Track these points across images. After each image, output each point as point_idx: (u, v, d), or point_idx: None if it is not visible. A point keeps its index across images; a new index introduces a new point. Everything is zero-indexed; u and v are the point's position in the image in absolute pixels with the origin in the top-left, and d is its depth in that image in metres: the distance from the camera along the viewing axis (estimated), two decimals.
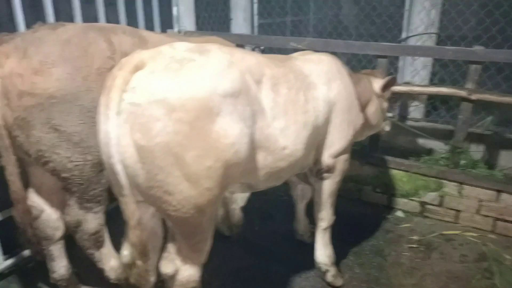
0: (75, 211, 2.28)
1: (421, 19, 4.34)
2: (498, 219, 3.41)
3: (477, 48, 3.23)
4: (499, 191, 3.35)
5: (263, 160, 2.03)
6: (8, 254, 2.88)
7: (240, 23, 5.23)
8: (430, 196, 3.62)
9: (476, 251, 3.18)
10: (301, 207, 3.13)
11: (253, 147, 1.92)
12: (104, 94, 1.65)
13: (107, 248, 2.51)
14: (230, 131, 1.75)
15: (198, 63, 1.74)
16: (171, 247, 1.95)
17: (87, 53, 2.08)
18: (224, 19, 5.23)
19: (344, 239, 3.16)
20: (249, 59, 2.01)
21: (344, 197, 3.39)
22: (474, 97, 3.32)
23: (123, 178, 1.62)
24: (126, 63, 1.67)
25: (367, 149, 3.78)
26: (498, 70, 4.00)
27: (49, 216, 2.41)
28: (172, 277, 1.95)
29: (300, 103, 2.17)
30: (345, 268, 2.96)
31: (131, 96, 1.61)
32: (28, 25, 2.65)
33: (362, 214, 3.68)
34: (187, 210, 1.74)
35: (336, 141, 2.46)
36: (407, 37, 4.45)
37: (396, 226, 3.53)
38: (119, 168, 1.60)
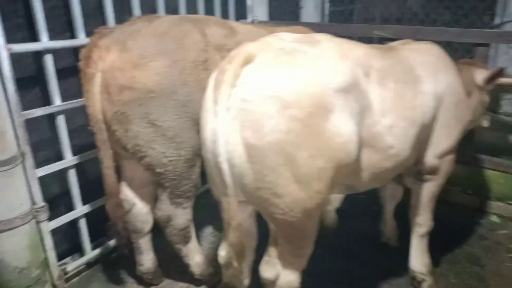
0: (166, 206, 2.26)
1: None
2: None
3: None
4: None
5: (368, 160, 1.86)
6: (94, 242, 2.95)
7: (310, 11, 5.03)
8: None
9: None
10: (389, 209, 2.92)
11: (360, 146, 1.76)
12: (212, 89, 1.58)
13: (193, 243, 2.48)
14: (343, 130, 1.61)
15: (310, 55, 1.62)
16: (272, 251, 1.85)
17: (183, 45, 2.02)
18: (293, 8, 5.06)
19: (435, 244, 2.90)
20: (358, 50, 1.84)
21: None
22: None
23: (228, 178, 1.54)
24: (235, 56, 1.58)
25: (459, 147, 3.45)
26: None
27: (139, 210, 2.41)
28: (273, 282, 1.85)
29: (408, 98, 1.96)
30: (440, 277, 2.71)
31: (242, 91, 1.52)
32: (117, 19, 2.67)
33: (451, 217, 3.36)
34: (295, 214, 1.62)
35: (443, 139, 2.22)
36: (503, 23, 4.03)
37: (491, 232, 3.20)
38: (225, 167, 1.53)
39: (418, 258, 2.53)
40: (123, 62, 1.92)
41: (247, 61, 1.56)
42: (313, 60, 1.60)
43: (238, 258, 1.73)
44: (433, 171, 2.29)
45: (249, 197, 1.67)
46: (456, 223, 3.29)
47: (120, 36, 1.98)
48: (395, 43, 2.43)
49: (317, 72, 1.58)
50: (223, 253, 1.97)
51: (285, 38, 1.71)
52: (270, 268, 1.85)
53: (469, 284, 2.65)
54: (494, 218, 3.38)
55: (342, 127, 1.60)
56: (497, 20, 4.11)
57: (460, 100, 2.26)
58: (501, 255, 2.93)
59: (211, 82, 1.64)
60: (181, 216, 2.30)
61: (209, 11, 3.51)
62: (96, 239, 2.95)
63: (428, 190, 2.37)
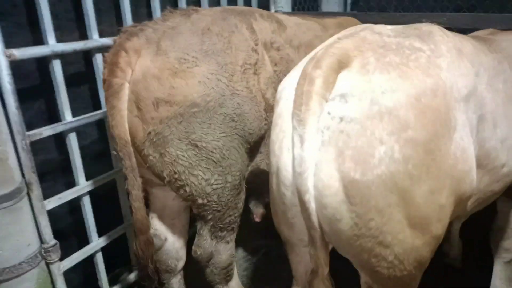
0: (207, 242, 1.85)
1: None
2: None
3: None
4: None
5: (478, 183, 1.47)
6: (110, 274, 2.53)
7: (331, 0, 4.61)
8: None
9: None
10: (456, 227, 2.54)
11: None
12: (293, 103, 1.17)
13: (235, 281, 2.09)
14: (467, 153, 1.22)
15: (426, 53, 1.23)
16: None
17: (231, 45, 1.61)
18: None
19: None
20: (467, 43, 1.44)
21: None
22: None
23: (315, 221, 1.17)
24: (324, 58, 1.16)
25: None
26: None
27: (172, 245, 2.00)
28: None
29: None
30: None
31: (339, 107, 1.13)
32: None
33: None
34: (405, 267, 1.23)
35: None
36: None
37: None
38: (312, 207, 1.16)
39: None
40: (158, 68, 1.50)
41: (342, 65, 1.17)
42: (430, 60, 1.22)
43: None
44: None
45: (343, 246, 1.26)
46: None
47: (152, 36, 1.55)
48: (480, 32, 2.03)
49: (439, 76, 1.20)
50: None
51: (382, 31, 1.31)
52: None
53: None
54: None
55: (466, 149, 1.22)
56: None
57: None
58: None
59: (289, 94, 1.24)
60: (224, 252, 1.90)
61: (232, 1, 3.10)
62: (113, 270, 2.55)
63: None
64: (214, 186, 1.68)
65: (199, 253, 1.86)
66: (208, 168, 1.64)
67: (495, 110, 1.45)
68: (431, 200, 1.16)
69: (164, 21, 1.61)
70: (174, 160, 1.59)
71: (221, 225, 1.84)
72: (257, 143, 1.85)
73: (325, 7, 4.61)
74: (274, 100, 1.39)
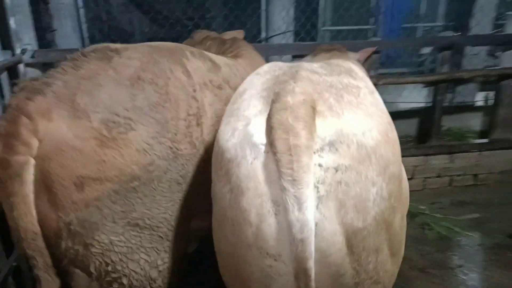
0: None
1: (283, 18, 4.32)
2: None
3: None
4: None
5: None
6: None
7: (68, 33, 4.06)
8: None
9: None
10: None
11: None
12: (281, 161, 1.01)
13: None
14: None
15: (364, 90, 1.25)
16: None
17: (169, 96, 1.34)
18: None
19: None
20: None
21: None
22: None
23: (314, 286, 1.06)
24: (299, 107, 1.07)
25: None
26: None
27: None
28: None
29: None
30: None
31: (331, 157, 1.06)
32: None
33: None
34: None
35: None
36: (271, 36, 4.37)
37: None
38: (313, 272, 1.04)
39: None
40: (79, 137, 1.13)
41: (313, 108, 1.10)
42: (372, 96, 1.26)
43: None
44: None
45: None
46: None
47: (63, 92, 1.17)
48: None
49: (384, 109, 1.25)
50: None
51: (314, 70, 1.28)
52: None
53: None
54: None
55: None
56: (263, 35, 4.47)
57: None
58: None
59: (251, 152, 1.10)
60: None
61: None
62: None
63: None
64: (161, 268, 1.38)
65: None
66: (152, 248, 1.33)
67: None
68: (402, 225, 1.26)
69: (76, 69, 1.22)
70: (107, 249, 1.24)
71: None
72: None
73: (61, 42, 4.08)
74: (218, 160, 1.21)
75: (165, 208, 1.35)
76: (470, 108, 4.56)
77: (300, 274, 1.04)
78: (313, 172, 1.03)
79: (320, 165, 1.04)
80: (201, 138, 1.50)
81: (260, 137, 1.10)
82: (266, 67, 1.38)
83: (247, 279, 1.19)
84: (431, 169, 3.89)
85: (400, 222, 1.22)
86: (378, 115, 1.17)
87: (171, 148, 1.33)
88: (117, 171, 1.21)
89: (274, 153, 1.03)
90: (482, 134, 4.29)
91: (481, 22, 4.60)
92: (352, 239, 1.08)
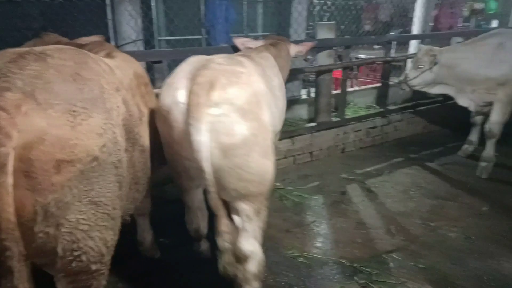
0: None
1: (132, 27, 4.62)
2: None
3: None
4: None
5: None
6: None
7: None
8: None
9: None
10: None
11: None
12: (192, 111, 1.85)
13: None
14: (271, 118, 2.23)
15: (245, 74, 2.12)
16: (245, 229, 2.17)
17: (104, 89, 1.55)
18: None
19: None
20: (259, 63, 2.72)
21: None
22: None
23: (211, 176, 1.87)
24: (202, 82, 1.91)
25: None
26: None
27: None
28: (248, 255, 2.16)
29: None
30: None
31: (216, 110, 1.90)
32: None
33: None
34: (264, 182, 2.09)
35: None
36: (122, 45, 4.59)
37: None
38: (208, 167, 1.85)
39: None
40: (54, 126, 1.26)
41: (211, 85, 1.91)
42: (248, 77, 2.12)
43: (232, 244, 2.10)
44: None
45: (227, 185, 2.01)
46: None
47: (26, 88, 1.26)
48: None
49: (253, 84, 2.12)
50: (194, 226, 2.39)
51: (220, 62, 2.13)
52: (249, 241, 2.15)
53: None
54: None
55: (270, 116, 2.20)
56: (112, 43, 4.65)
57: None
58: None
59: (177, 106, 1.99)
60: None
61: None
62: None
63: None
64: (108, 244, 1.53)
65: None
66: (104, 226, 1.49)
67: (270, 93, 2.44)
68: (265, 141, 2.10)
69: (23, 69, 1.28)
70: (74, 227, 1.36)
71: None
72: None
73: None
74: (161, 111, 2.09)
75: (110, 188, 1.50)
76: (298, 101, 5.49)
77: (202, 169, 1.85)
78: (206, 116, 1.84)
79: (211, 113, 1.86)
80: (121, 130, 1.68)
81: (181, 99, 1.98)
82: (192, 58, 2.24)
83: (179, 172, 2.28)
84: (279, 152, 4.58)
85: (264, 140, 2.05)
86: (247, 88, 2.03)
87: (114, 132, 1.50)
88: (85, 153, 1.33)
89: (188, 106, 1.88)
90: (310, 120, 5.26)
91: (298, 31, 5.68)
92: (226, 149, 1.91)
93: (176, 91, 2.01)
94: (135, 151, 1.87)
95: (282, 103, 2.89)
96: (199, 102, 1.84)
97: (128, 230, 3.14)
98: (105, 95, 1.53)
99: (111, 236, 1.55)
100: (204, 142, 1.81)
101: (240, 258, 2.13)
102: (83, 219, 1.40)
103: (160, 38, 8.57)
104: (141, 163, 2.00)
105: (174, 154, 2.14)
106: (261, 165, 2.03)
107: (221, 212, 1.93)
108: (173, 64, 4.46)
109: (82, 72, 1.47)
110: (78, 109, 1.37)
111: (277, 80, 2.90)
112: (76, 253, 1.42)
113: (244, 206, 2.11)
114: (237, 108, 1.92)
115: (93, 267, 1.50)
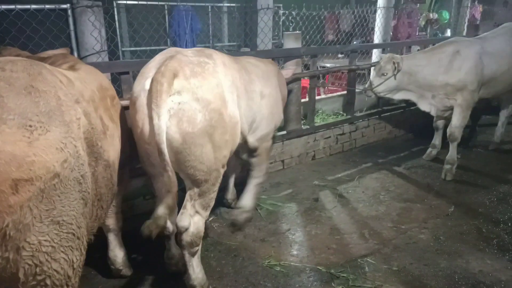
0: None
1: (95, 37, 4.44)
2: None
3: None
4: None
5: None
6: None
7: None
8: None
9: None
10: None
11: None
12: (153, 97, 2.02)
13: None
14: (235, 114, 2.42)
15: (211, 65, 2.31)
16: (187, 205, 2.42)
17: (61, 101, 1.50)
18: None
19: None
20: (228, 59, 2.67)
21: None
22: None
23: (167, 157, 2.04)
24: (166, 72, 2.07)
25: None
26: None
27: None
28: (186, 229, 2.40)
29: None
30: None
31: (177, 98, 2.10)
32: None
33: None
34: (212, 172, 2.33)
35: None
36: (85, 56, 4.48)
37: None
38: (166, 150, 2.03)
39: None
40: (8, 142, 1.16)
41: (175, 75, 2.10)
42: (214, 68, 2.31)
43: (171, 215, 2.43)
44: None
45: (182, 167, 2.25)
46: None
47: None
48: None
49: (219, 76, 2.32)
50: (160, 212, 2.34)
51: (187, 54, 2.31)
52: (185, 218, 2.39)
53: None
54: None
55: (234, 111, 2.41)
56: (75, 54, 4.64)
57: None
58: None
59: (143, 94, 2.15)
60: None
61: None
62: None
63: None
64: (75, 265, 1.45)
65: None
66: (69, 246, 1.40)
67: (242, 93, 2.62)
68: (222, 137, 2.34)
69: None
70: (36, 249, 1.26)
71: None
72: None
73: None
74: (131, 98, 2.28)
75: (74, 206, 1.43)
76: None
77: (159, 151, 2.02)
78: (168, 103, 2.04)
79: (172, 101, 2.07)
80: (83, 142, 1.61)
81: (148, 87, 2.14)
82: (166, 50, 2.46)
83: (141, 154, 2.38)
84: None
85: (220, 135, 2.26)
86: (210, 79, 2.23)
87: (75, 146, 1.43)
88: (44, 170, 1.24)
89: (150, 93, 2.06)
90: (280, 128, 5.27)
91: (264, 41, 5.72)
92: (186, 136, 2.12)
93: (145, 79, 2.17)
94: (98, 165, 1.79)
95: (265, 109, 3.01)
96: (160, 89, 2.00)
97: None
98: (63, 107, 1.46)
99: (78, 257, 1.47)
100: (163, 126, 1.99)
101: (178, 230, 2.42)
102: (46, 240, 1.32)
103: (124, 49, 8.42)
104: (105, 178, 1.92)
105: (138, 139, 2.26)
106: (212, 157, 2.26)
107: (174, 189, 2.13)
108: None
109: (37, 84, 1.40)
110: (34, 123, 1.29)
111: (262, 89, 2.97)
112: (39, 278, 1.33)
113: (190, 187, 2.39)
114: (198, 97, 2.11)
115: None
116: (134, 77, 4.00)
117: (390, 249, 3.29)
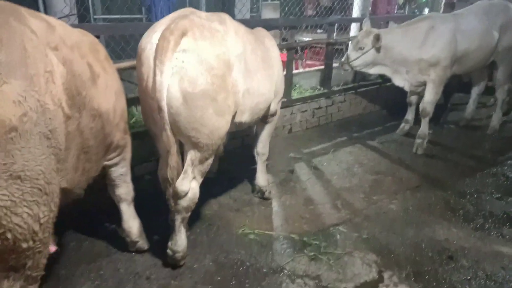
0: None
1: (64, 0, 4.42)
2: None
3: None
4: None
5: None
6: None
7: None
8: None
9: None
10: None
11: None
12: (158, 53, 2.05)
13: None
14: (238, 82, 2.45)
15: (221, 32, 2.33)
16: (188, 170, 2.43)
17: (28, 53, 1.42)
18: None
19: None
20: (240, 28, 2.66)
21: None
22: None
23: (167, 115, 2.12)
24: (175, 29, 2.08)
25: None
26: None
27: None
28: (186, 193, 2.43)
29: None
30: None
31: (182, 55, 2.11)
32: None
33: None
34: (214, 137, 2.35)
35: None
36: None
37: None
38: (165, 108, 2.10)
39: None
40: None
41: (183, 34, 2.11)
42: (223, 36, 2.33)
43: (176, 176, 2.39)
44: None
45: (183, 129, 2.25)
46: None
47: None
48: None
49: (227, 44, 2.33)
50: (163, 172, 2.46)
51: (201, 16, 2.34)
52: (187, 183, 2.41)
53: None
54: None
55: (238, 80, 2.44)
56: None
57: None
58: None
59: (151, 47, 2.17)
60: None
61: None
62: None
63: None
64: (42, 221, 1.41)
65: None
66: (34, 201, 1.36)
67: (253, 66, 2.63)
68: (225, 102, 2.36)
69: None
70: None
71: (34, 273, 1.52)
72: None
73: None
74: (138, 50, 2.30)
75: (40, 161, 1.39)
76: None
77: (159, 108, 2.09)
78: (172, 61, 2.06)
79: (176, 58, 2.08)
80: (58, 96, 1.55)
81: (155, 40, 2.15)
82: (181, 10, 2.47)
83: (145, 109, 2.40)
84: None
85: (223, 100, 2.28)
86: (218, 46, 2.24)
87: (39, 101, 1.37)
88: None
89: (156, 47, 2.08)
90: None
91: (242, 11, 5.61)
92: (186, 96, 2.13)
93: (154, 33, 2.22)
94: (83, 116, 1.71)
95: (280, 74, 3.21)
96: (166, 46, 2.02)
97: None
98: (29, 60, 1.38)
99: (46, 212, 1.43)
100: (164, 83, 2.03)
101: (176, 194, 2.42)
102: (3, 194, 1.28)
103: (96, 16, 8.07)
104: (94, 129, 1.84)
105: (143, 92, 2.27)
106: (215, 122, 2.26)
107: (173, 149, 2.21)
108: (113, 41, 4.23)
109: (2, 35, 1.31)
110: None
111: (275, 55, 3.18)
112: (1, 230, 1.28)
113: (192, 152, 2.39)
114: (203, 60, 2.12)
115: (24, 245, 1.39)
116: (107, 43, 3.92)
117: (361, 219, 3.38)
